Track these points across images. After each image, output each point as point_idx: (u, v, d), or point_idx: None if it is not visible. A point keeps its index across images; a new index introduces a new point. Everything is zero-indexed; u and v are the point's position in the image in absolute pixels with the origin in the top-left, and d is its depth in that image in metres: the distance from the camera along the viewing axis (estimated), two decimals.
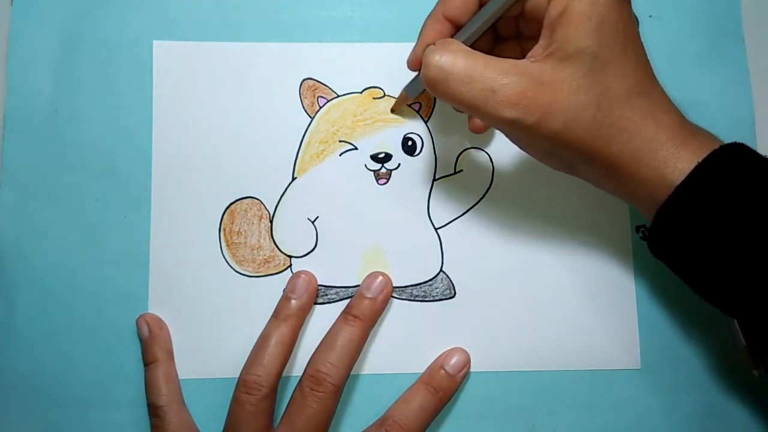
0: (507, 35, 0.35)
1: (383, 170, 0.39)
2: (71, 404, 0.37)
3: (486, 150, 0.40)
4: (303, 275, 0.38)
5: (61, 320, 0.38)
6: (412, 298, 0.39)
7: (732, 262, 0.29)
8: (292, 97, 0.40)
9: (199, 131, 0.39)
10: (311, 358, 0.36)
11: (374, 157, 0.39)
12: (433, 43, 0.32)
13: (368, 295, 0.37)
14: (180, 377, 0.37)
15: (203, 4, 0.40)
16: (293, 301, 0.37)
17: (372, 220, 0.39)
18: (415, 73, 0.36)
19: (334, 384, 0.35)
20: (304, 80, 0.40)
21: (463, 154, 0.40)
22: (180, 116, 0.39)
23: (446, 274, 0.39)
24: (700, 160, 0.29)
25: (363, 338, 0.37)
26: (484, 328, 0.39)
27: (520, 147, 0.33)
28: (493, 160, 0.40)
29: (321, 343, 0.37)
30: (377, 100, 0.40)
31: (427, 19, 0.34)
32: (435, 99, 0.40)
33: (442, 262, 0.39)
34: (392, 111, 0.40)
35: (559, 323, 0.39)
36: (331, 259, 0.39)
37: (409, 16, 0.41)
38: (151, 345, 0.37)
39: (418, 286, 0.39)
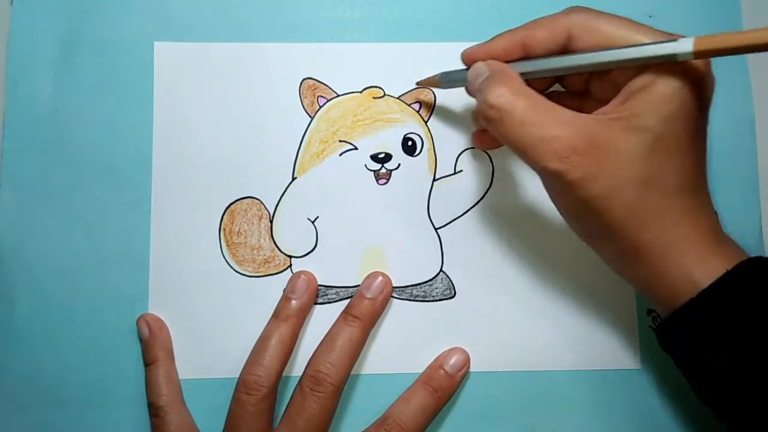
0: (572, 89, 0.34)
1: (383, 170, 0.39)
2: (71, 404, 0.37)
3: (486, 150, 0.40)
4: (303, 275, 0.38)
5: (61, 320, 0.38)
6: (412, 298, 0.39)
7: (738, 374, 0.28)
8: (292, 96, 0.40)
9: (199, 131, 0.39)
10: (311, 359, 0.36)
11: (374, 157, 0.39)
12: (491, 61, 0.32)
13: (368, 296, 0.37)
14: (180, 377, 0.37)
15: (204, 5, 0.40)
16: (293, 302, 0.37)
17: (372, 220, 0.39)
18: (462, 68, 0.35)
19: (333, 384, 0.35)
20: (304, 80, 0.40)
21: (463, 154, 0.40)
22: (180, 116, 0.39)
23: (446, 274, 0.39)
24: (729, 269, 0.28)
25: (363, 338, 0.37)
26: (484, 328, 0.39)
27: (552, 199, 0.32)
28: (493, 160, 0.40)
29: (321, 343, 0.37)
30: (377, 100, 0.40)
31: (506, 32, 0.33)
32: (435, 99, 0.40)
33: (442, 262, 0.39)
34: (417, 83, 0.39)
35: (559, 323, 0.39)
36: (331, 259, 0.39)
37: (410, 16, 0.41)
38: (152, 345, 0.37)
39: (418, 286, 0.39)
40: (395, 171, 0.40)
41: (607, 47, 0.30)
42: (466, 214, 0.39)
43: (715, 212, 0.31)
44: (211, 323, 0.38)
